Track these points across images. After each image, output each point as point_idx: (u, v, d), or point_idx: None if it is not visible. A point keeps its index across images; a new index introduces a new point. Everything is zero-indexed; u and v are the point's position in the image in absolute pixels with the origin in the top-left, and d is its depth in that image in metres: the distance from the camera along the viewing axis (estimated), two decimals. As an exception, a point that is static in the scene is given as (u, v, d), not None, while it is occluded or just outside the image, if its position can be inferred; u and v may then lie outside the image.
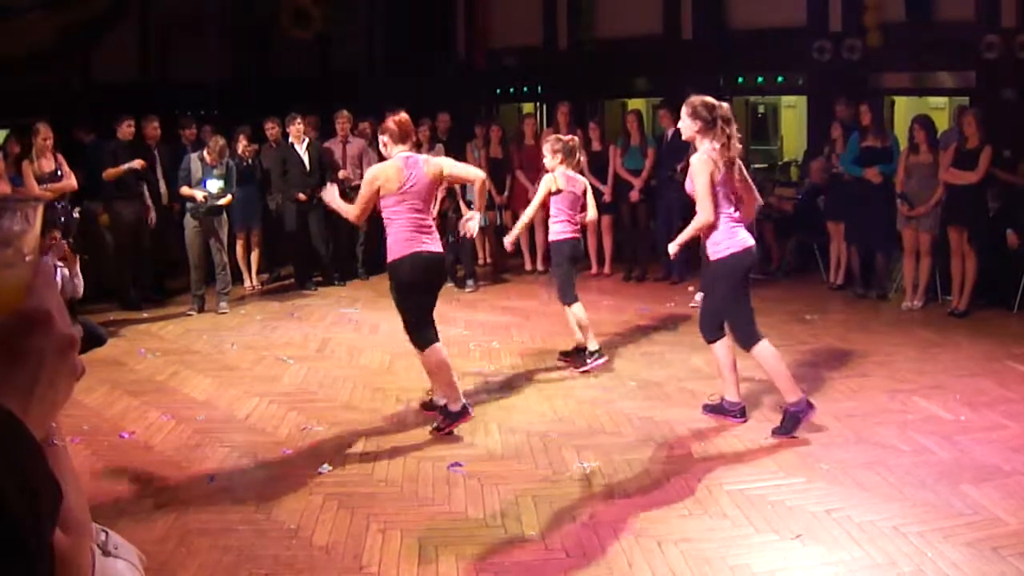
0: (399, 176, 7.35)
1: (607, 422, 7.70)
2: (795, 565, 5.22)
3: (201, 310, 12.27)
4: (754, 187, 7.67)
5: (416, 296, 7.60)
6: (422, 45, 18.65)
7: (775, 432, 7.24)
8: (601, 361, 9.25)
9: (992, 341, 9.89)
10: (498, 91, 18.67)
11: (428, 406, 8.07)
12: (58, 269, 8.51)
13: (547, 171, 9.42)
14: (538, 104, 18.90)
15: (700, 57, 15.67)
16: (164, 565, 5.39)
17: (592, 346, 9.30)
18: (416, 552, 5.49)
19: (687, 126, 7.33)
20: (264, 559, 5.50)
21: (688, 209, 7.92)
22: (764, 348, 7.43)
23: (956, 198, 10.83)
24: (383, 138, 7.63)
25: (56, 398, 1.14)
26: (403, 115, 7.63)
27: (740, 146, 7.39)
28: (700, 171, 7.20)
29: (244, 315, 12.02)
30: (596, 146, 13.76)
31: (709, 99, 7.30)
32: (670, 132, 12.48)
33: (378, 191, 7.42)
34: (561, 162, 9.29)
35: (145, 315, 12.22)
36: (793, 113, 19.05)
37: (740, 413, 7.65)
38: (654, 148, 13.33)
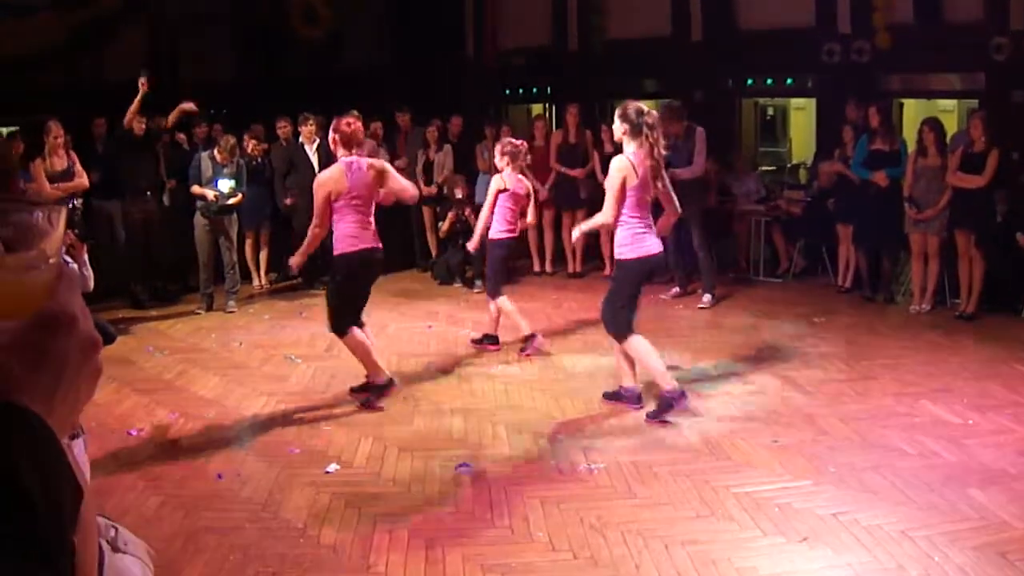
0: (344, 180, 7.98)
1: (615, 424, 7.72)
2: (802, 568, 5.23)
3: (210, 309, 12.29)
4: (674, 197, 8.14)
5: (354, 288, 8.33)
6: (431, 45, 18.65)
7: (649, 417, 7.80)
8: (536, 342, 9.87)
9: (1000, 345, 9.87)
10: (507, 92, 18.67)
11: (361, 388, 8.55)
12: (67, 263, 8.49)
13: (496, 172, 10.03)
14: (547, 105, 18.90)
15: (709, 59, 15.64)
16: (171, 563, 5.41)
17: (526, 331, 9.92)
18: (423, 552, 5.51)
19: (616, 127, 7.84)
20: (271, 557, 5.52)
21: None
22: (638, 340, 7.93)
23: (964, 201, 10.82)
24: (334, 136, 8.19)
25: (79, 399, 1.14)
26: (356, 123, 8.25)
27: (664, 154, 7.88)
28: (614, 173, 7.73)
29: (252, 314, 12.04)
30: (608, 148, 13.71)
31: (641, 105, 7.78)
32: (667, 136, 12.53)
33: (329, 196, 7.97)
34: (508, 164, 9.82)
35: (153, 313, 12.24)
36: (802, 115, 19.00)
37: (637, 399, 8.11)
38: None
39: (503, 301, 9.91)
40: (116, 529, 1.73)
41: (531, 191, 10.16)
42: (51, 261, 1.13)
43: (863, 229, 11.93)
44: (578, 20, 17.56)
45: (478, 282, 12.94)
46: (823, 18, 14.88)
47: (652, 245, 7.81)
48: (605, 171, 13.22)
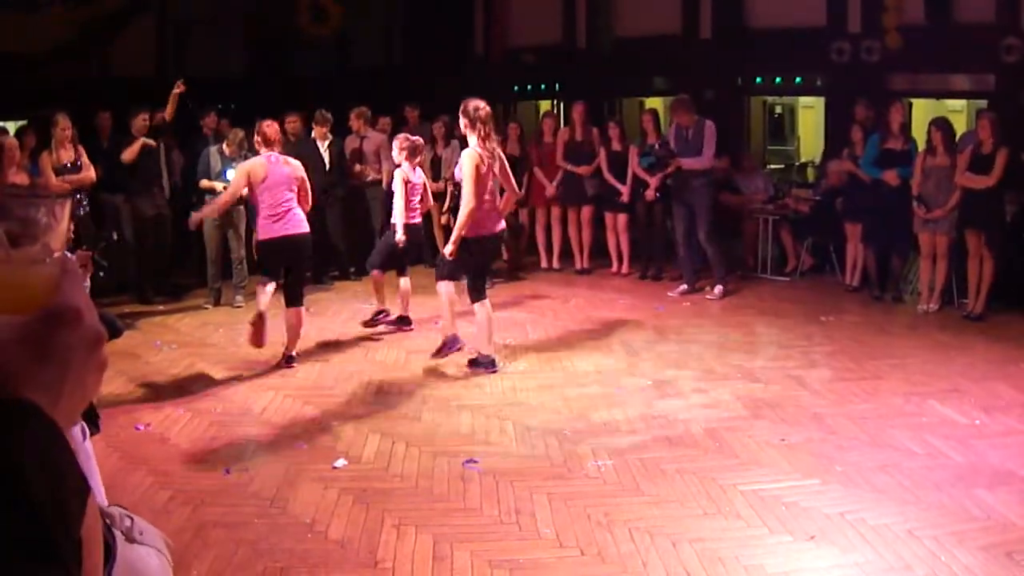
0: (263, 170, 9.17)
1: (622, 420, 7.71)
2: (808, 567, 5.23)
3: (217, 303, 12.32)
4: (512, 178, 9.23)
5: (275, 266, 9.50)
6: (440, 42, 18.65)
7: (434, 355, 9.31)
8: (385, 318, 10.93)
9: (1008, 345, 9.85)
10: (516, 88, 18.66)
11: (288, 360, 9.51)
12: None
13: (397, 166, 10.67)
14: (556, 102, 18.89)
15: (718, 57, 15.63)
16: (180, 557, 5.40)
17: (382, 306, 10.95)
18: (431, 548, 5.52)
19: (461, 123, 8.90)
20: (279, 552, 5.53)
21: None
22: (447, 287, 9.20)
23: (973, 202, 10.80)
24: (257, 138, 9.48)
25: (84, 394, 1.14)
26: (275, 124, 9.60)
27: (496, 141, 9.03)
28: (467, 163, 8.72)
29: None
30: (616, 146, 13.72)
31: (479, 102, 8.82)
32: (673, 129, 12.54)
33: (247, 179, 9.21)
34: (407, 159, 10.46)
35: (161, 308, 12.26)
36: (811, 114, 19.00)
37: (491, 364, 9.13)
38: (649, 152, 13.26)
39: (377, 275, 10.82)
40: (132, 519, 1.73)
41: (426, 182, 10.96)
42: (55, 255, 1.13)
43: (873, 228, 11.90)
44: (587, 17, 17.56)
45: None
46: (833, 17, 14.88)
47: (494, 224, 9.02)
48: (613, 169, 13.40)
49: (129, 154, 12.07)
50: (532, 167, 14.20)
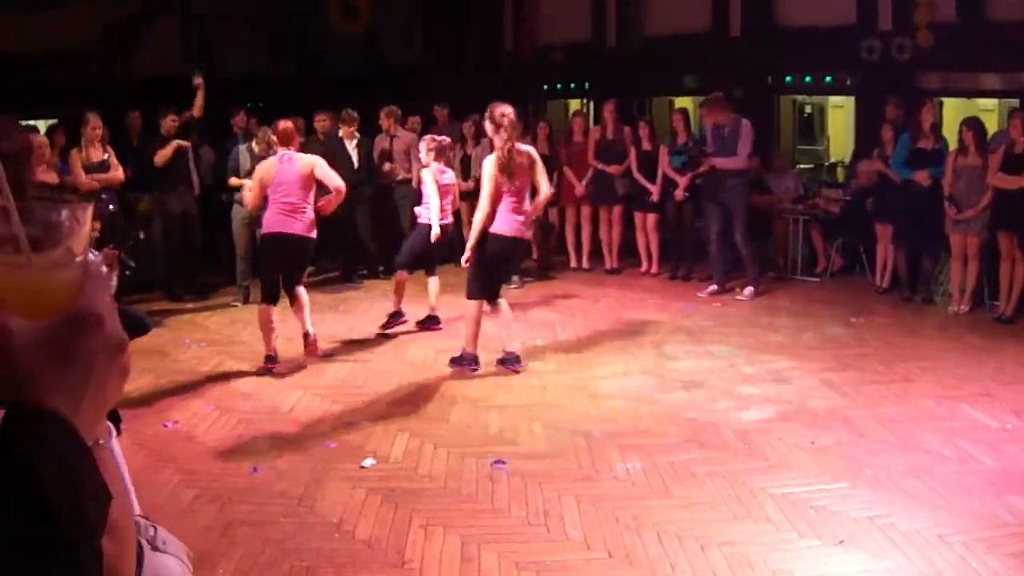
0: (274, 170, 9.23)
1: (651, 422, 7.69)
2: (838, 572, 5.20)
3: (246, 301, 12.34)
4: (546, 180, 9.12)
5: (266, 260, 9.62)
6: (469, 40, 18.64)
7: (452, 361, 9.27)
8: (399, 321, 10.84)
9: (1040, 348, 9.78)
10: (545, 87, 18.64)
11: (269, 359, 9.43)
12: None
13: (424, 166, 10.70)
14: (585, 101, 18.86)
15: (748, 55, 15.57)
16: (206, 556, 5.43)
17: (398, 308, 10.88)
18: (458, 549, 5.51)
19: (487, 127, 8.94)
20: (306, 552, 5.53)
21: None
22: (475, 306, 9.04)
23: (1005, 202, 10.71)
24: (273, 138, 9.80)
25: (106, 400, 1.14)
26: (289, 124, 9.59)
27: (525, 148, 9.04)
28: (487, 168, 8.79)
29: (289, 307, 12.05)
30: (646, 145, 13.68)
31: (505, 107, 8.81)
32: (711, 128, 12.47)
33: (261, 184, 9.28)
34: (435, 159, 10.54)
35: (190, 306, 12.30)
36: (840, 113, 18.92)
37: (474, 361, 9.18)
38: (682, 151, 13.21)
39: (403, 276, 10.79)
40: (155, 528, 1.72)
41: (454, 181, 11.06)
42: (78, 259, 1.13)
43: (904, 229, 11.82)
44: (617, 16, 17.51)
45: (515, 278, 12.84)
46: (863, 15, 14.79)
47: (519, 228, 8.92)
48: (643, 169, 13.37)
49: (161, 158, 12.15)
50: (562, 166, 14.17)
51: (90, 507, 1.04)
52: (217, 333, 11.02)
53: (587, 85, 18.44)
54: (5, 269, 1.10)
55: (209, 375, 9.34)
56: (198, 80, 12.22)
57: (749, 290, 12.21)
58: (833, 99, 19.11)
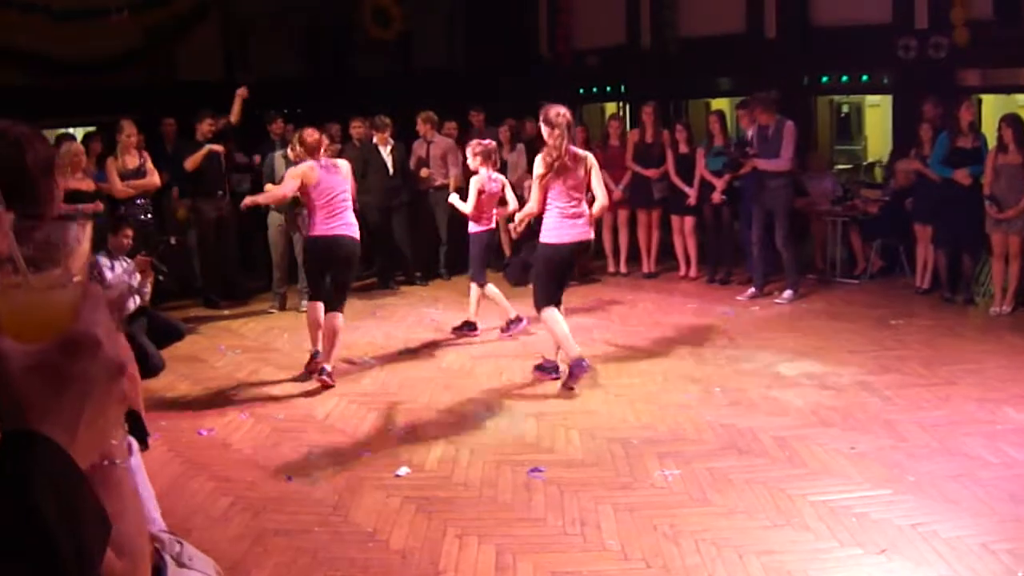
0: (314, 174, 9.15)
1: (689, 429, 7.61)
2: (880, 581, 5.11)
3: (282, 308, 12.37)
4: (603, 185, 8.94)
5: (316, 264, 9.52)
6: (504, 45, 18.62)
7: (563, 385, 8.73)
8: (520, 326, 10.74)
9: (1084, 348, 9.63)
10: (581, 91, 18.57)
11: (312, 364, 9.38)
12: (130, 275, 8.54)
13: (474, 172, 10.68)
14: (621, 104, 18.78)
15: (784, 56, 15.46)
16: (239, 564, 5.43)
17: (512, 314, 10.75)
18: (493, 559, 5.47)
19: (542, 128, 8.74)
20: (340, 561, 5.52)
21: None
22: (552, 312, 8.73)
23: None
24: (298, 148, 9.72)
25: (105, 426, 1.10)
26: (315, 132, 9.55)
27: (584, 152, 8.89)
28: (537, 167, 8.67)
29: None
30: (683, 148, 13.58)
31: (560, 107, 8.68)
32: (755, 128, 12.34)
33: (301, 183, 9.18)
34: (482, 164, 10.52)
35: (226, 312, 12.33)
36: (877, 112, 18.78)
37: (555, 370, 8.95)
38: (724, 151, 13.10)
39: (489, 289, 10.68)
40: (181, 544, 1.69)
41: (506, 184, 10.94)
42: (76, 279, 1.09)
43: (944, 229, 11.68)
44: (651, 18, 17.44)
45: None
46: (899, 13, 14.66)
47: (576, 233, 8.70)
48: (681, 171, 13.29)
49: (192, 163, 12.17)
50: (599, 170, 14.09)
51: (86, 535, 1.00)
52: (253, 340, 11.03)
53: (622, 88, 18.37)
54: (1, 291, 1.06)
55: (244, 382, 9.35)
56: (242, 90, 12.24)
57: (788, 293, 12.10)
58: (870, 98, 18.97)
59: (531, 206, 8.77)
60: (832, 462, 6.77)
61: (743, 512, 5.98)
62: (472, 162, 10.59)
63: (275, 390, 9.05)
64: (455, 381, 9.16)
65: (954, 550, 5.33)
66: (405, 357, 9.88)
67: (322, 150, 9.50)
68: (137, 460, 3.77)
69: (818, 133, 16.92)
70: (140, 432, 3.87)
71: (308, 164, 9.29)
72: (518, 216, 8.94)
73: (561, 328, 8.70)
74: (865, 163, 18.75)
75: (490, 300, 10.72)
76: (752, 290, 12.40)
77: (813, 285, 12.88)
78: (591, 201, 8.81)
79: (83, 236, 1.10)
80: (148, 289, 8.94)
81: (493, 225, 10.88)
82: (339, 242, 9.19)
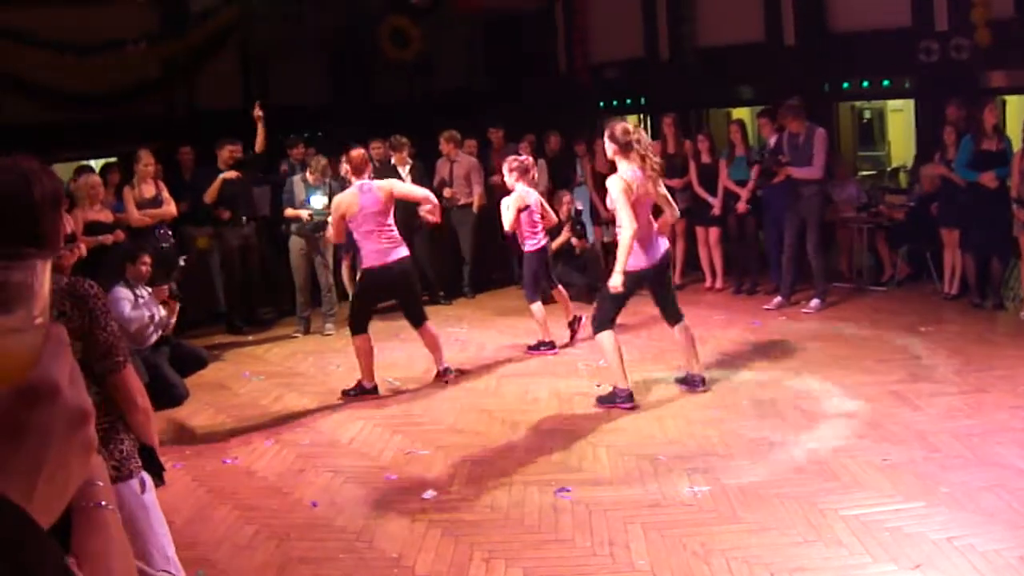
0: (357, 201, 9.05)
1: (718, 444, 7.51)
2: (915, 597, 5.01)
3: (307, 332, 12.35)
4: (671, 201, 8.72)
5: (372, 295, 9.55)
6: (523, 62, 18.62)
7: (598, 401, 8.68)
8: (549, 351, 10.64)
9: (1118, 352, 9.49)
10: (601, 104, 18.51)
11: (355, 391, 9.47)
12: (153, 307, 8.52)
13: (510, 189, 10.50)
14: (641, 116, 18.72)
15: (803, 63, 15.37)
16: (266, 594, 5.38)
17: (547, 338, 10.71)
18: (522, 582, 5.40)
19: (607, 148, 8.37)
20: (366, 589, 5.46)
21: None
22: (607, 337, 8.57)
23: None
24: (346, 166, 9.72)
25: (68, 477, 1.05)
26: (361, 151, 9.58)
27: (655, 169, 8.34)
28: (615, 190, 8.19)
29: (349, 337, 11.99)
30: (705, 158, 13.51)
31: (626, 124, 8.38)
32: (785, 136, 12.23)
33: (344, 216, 9.10)
34: (518, 179, 10.36)
35: (250, 338, 12.32)
36: (900, 117, 18.64)
37: (629, 398, 8.53)
38: (759, 160, 13.01)
39: (537, 307, 10.59)
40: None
41: (540, 199, 10.82)
42: (37, 322, 1.02)
43: (971, 233, 11.54)
44: (669, 29, 17.38)
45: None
46: (919, 16, 14.54)
47: (651, 255, 8.46)
48: (703, 182, 13.20)
49: (209, 196, 12.20)
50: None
51: None
52: (277, 365, 11.00)
53: (642, 100, 18.31)
54: None
55: (269, 408, 9.33)
56: (258, 112, 12.24)
57: (815, 302, 11.98)
58: (892, 103, 18.82)
59: (629, 227, 8.15)
60: (863, 475, 6.66)
61: (774, 528, 5.89)
62: (508, 178, 10.46)
63: (300, 415, 9.01)
64: (480, 401, 9.10)
65: (991, 564, 5.21)
66: (429, 378, 9.80)
67: (369, 169, 9.47)
68: (151, 497, 3.74)
69: (840, 139, 16.80)
70: (155, 467, 3.82)
71: (349, 193, 9.30)
72: (623, 244, 8.24)
73: (617, 358, 8.58)
74: (889, 169, 18.60)
75: (532, 317, 10.73)
76: (779, 299, 12.29)
77: (840, 293, 12.74)
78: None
79: (44, 276, 1.04)
80: (173, 320, 8.93)
81: (544, 242, 10.81)
82: (394, 269, 9.24)
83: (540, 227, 10.65)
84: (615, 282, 8.31)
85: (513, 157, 10.74)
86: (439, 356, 9.65)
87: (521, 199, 10.34)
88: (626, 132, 8.23)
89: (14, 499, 0.96)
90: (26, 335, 1.02)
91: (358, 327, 9.38)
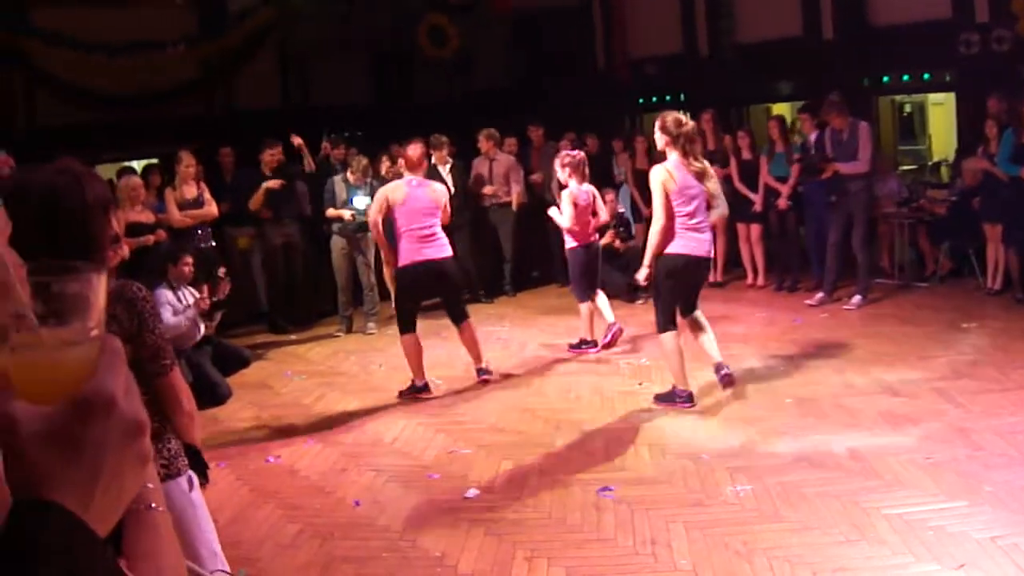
0: (403, 194, 9.07)
1: (760, 441, 7.50)
2: (959, 598, 4.99)
3: (349, 331, 12.41)
4: (719, 196, 8.56)
5: (410, 293, 9.38)
6: (562, 60, 18.62)
7: (656, 398, 8.63)
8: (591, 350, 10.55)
9: None
10: (640, 101, 18.48)
11: (409, 391, 9.40)
12: (190, 309, 8.54)
13: (563, 186, 10.51)
14: (681, 112, 18.67)
15: (843, 57, 15.29)
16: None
17: (589, 336, 10.64)
18: (564, 582, 5.41)
19: (657, 138, 8.32)
20: (409, 588, 5.49)
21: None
22: (669, 338, 8.43)
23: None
24: (401, 161, 9.61)
25: (123, 488, 1.06)
26: (420, 148, 9.46)
27: (703, 163, 8.37)
28: (655, 184, 8.13)
29: (391, 335, 11.84)
30: (746, 155, 13.48)
31: (679, 115, 8.29)
32: (829, 132, 12.19)
33: (387, 203, 9.11)
34: (571, 175, 10.30)
35: (293, 337, 12.38)
36: (941, 111, 18.52)
37: (688, 398, 8.42)
38: (799, 155, 12.98)
39: (584, 308, 10.53)
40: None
41: (596, 194, 10.68)
42: (93, 334, 1.04)
43: (1014, 227, 11.45)
44: (708, 25, 17.33)
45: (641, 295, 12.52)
46: (959, 8, 14.43)
47: (698, 246, 8.27)
48: (744, 178, 13.15)
49: (254, 203, 12.29)
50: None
51: None
52: (319, 364, 11.06)
53: (682, 97, 18.23)
54: (12, 348, 1.02)
55: (311, 407, 9.38)
56: (297, 140, 12.36)
57: (857, 298, 11.92)
58: (933, 96, 18.71)
59: (660, 220, 8.23)
60: (906, 473, 6.62)
61: (816, 527, 5.87)
62: (561, 174, 10.43)
63: (342, 414, 9.06)
64: (522, 400, 9.11)
65: (1036, 564, 5.19)
66: (472, 377, 9.81)
67: (424, 167, 9.56)
68: (197, 495, 3.79)
69: (881, 134, 16.71)
70: (200, 467, 3.86)
71: (397, 183, 9.37)
72: (651, 239, 8.31)
73: (678, 360, 8.49)
74: (930, 163, 18.49)
75: (582, 316, 10.66)
76: (821, 295, 12.23)
77: (882, 290, 12.68)
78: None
79: (100, 287, 1.06)
80: (213, 325, 8.99)
81: (593, 238, 10.64)
82: (436, 265, 9.21)
83: (591, 225, 10.50)
84: (641, 275, 8.45)
85: (565, 152, 10.68)
86: (477, 354, 9.61)
87: (574, 195, 10.25)
88: (678, 123, 8.18)
89: (71, 510, 0.99)
90: (81, 347, 1.03)
91: (404, 326, 9.32)
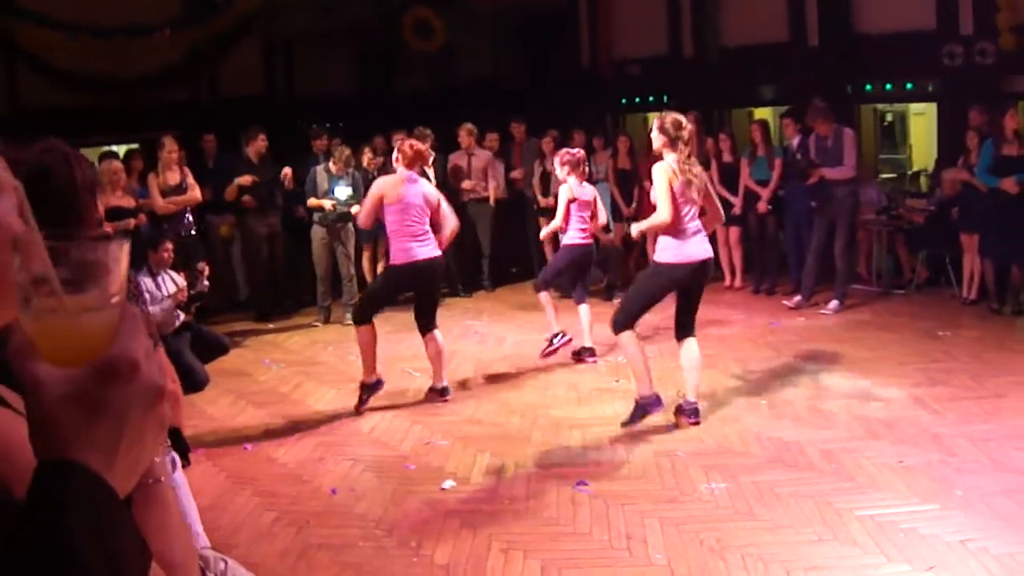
0: (397, 190, 8.67)
1: (736, 441, 7.56)
2: (928, 599, 5.05)
3: (327, 321, 12.42)
4: (716, 201, 8.23)
5: (393, 291, 9.28)
6: (546, 57, 18.64)
7: (624, 424, 7.97)
8: (565, 340, 10.15)
9: None
10: (623, 101, 18.53)
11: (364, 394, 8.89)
12: (167, 300, 8.49)
13: (561, 182, 10.36)
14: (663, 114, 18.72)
15: (826, 64, 15.35)
16: (284, 581, 5.44)
17: (556, 328, 10.22)
18: (538, 574, 5.45)
19: (655, 137, 7.95)
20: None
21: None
22: (629, 338, 8.02)
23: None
24: (396, 155, 8.92)
25: (143, 451, 1.09)
26: (418, 144, 9.04)
27: (699, 168, 8.03)
28: (659, 177, 7.73)
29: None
30: (727, 157, 13.56)
31: (679, 117, 7.91)
32: (812, 139, 12.27)
33: (381, 199, 8.70)
34: (569, 173, 10.11)
35: (271, 326, 12.39)
36: (922, 120, 18.61)
37: (657, 402, 8.01)
38: (780, 158, 13.07)
39: (545, 296, 10.27)
40: (226, 562, 1.68)
41: (596, 195, 10.50)
42: (114, 300, 1.07)
43: (991, 238, 11.54)
44: (693, 27, 17.37)
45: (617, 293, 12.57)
46: (944, 20, 14.52)
47: (693, 253, 7.85)
48: (724, 181, 13.21)
49: (229, 194, 12.30)
50: (643, 181, 14.04)
51: (125, 564, 1.00)
52: (297, 354, 11.07)
53: (665, 98, 18.27)
54: (36, 314, 1.05)
55: (289, 396, 9.40)
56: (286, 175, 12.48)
57: (834, 304, 12.00)
58: (914, 106, 18.78)
59: (664, 212, 7.71)
60: (879, 476, 6.69)
61: (789, 526, 5.93)
62: (560, 171, 10.29)
63: (319, 404, 9.09)
64: (499, 394, 9.16)
65: (1005, 567, 5.24)
66: (449, 369, 9.81)
67: (421, 164, 9.08)
68: (180, 476, 3.81)
69: (862, 142, 16.79)
70: (182, 448, 3.88)
71: (393, 178, 8.91)
72: (651, 221, 7.91)
73: (642, 362, 8.02)
74: (910, 172, 18.58)
75: (541, 306, 10.39)
76: (798, 298, 12.31)
77: (859, 296, 12.76)
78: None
79: (121, 255, 1.09)
80: (180, 318, 8.97)
81: (589, 241, 10.41)
82: (424, 267, 8.74)
83: (588, 226, 10.27)
84: (634, 230, 8.27)
85: (565, 150, 10.59)
86: (439, 370, 9.03)
87: (571, 192, 10.14)
88: (677, 126, 7.81)
89: (95, 470, 1.02)
90: (102, 313, 1.06)
91: (365, 317, 8.88)
